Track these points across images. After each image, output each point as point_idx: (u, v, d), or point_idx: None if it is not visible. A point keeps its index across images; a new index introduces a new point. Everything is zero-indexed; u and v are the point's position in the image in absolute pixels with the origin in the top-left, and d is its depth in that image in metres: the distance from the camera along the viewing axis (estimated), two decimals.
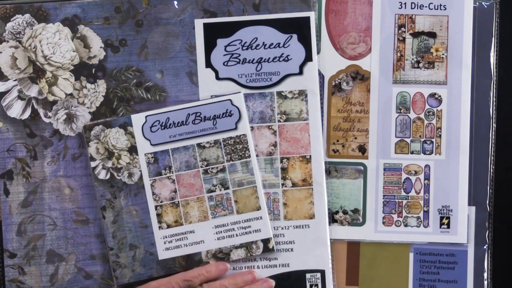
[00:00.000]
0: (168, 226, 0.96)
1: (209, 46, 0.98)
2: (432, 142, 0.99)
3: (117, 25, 0.98)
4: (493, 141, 0.99)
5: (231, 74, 0.98)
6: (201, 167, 0.96)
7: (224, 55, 0.97)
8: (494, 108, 0.99)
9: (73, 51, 0.98)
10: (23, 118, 0.98)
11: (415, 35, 0.99)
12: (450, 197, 0.98)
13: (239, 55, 0.97)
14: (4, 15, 0.98)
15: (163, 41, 0.98)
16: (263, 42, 0.97)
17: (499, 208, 0.99)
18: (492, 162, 0.99)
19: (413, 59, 0.99)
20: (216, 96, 0.97)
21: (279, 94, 0.97)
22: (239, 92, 0.97)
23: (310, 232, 0.97)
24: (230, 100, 0.96)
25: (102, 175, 0.97)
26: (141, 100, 0.98)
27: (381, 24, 0.99)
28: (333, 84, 0.99)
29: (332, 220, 0.99)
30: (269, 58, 0.97)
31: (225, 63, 0.97)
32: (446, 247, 0.99)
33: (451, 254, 0.99)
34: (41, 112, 0.98)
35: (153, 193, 0.96)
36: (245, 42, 0.97)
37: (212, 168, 0.96)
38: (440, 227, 0.98)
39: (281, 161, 0.97)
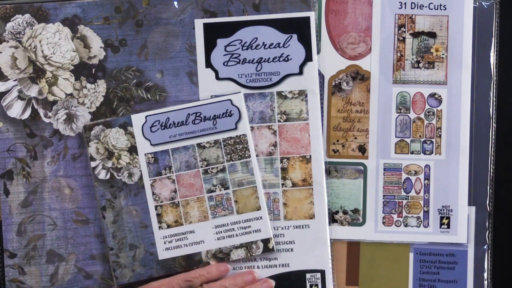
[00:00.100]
0: (168, 226, 0.96)
1: (209, 46, 0.98)
2: (432, 142, 0.99)
3: (117, 25, 0.98)
4: (493, 141, 0.99)
5: (231, 74, 0.98)
6: (201, 167, 0.96)
7: (224, 55, 0.97)
8: (494, 108, 0.99)
9: (73, 51, 0.98)
10: (23, 118, 0.98)
11: (415, 35, 0.99)
12: (450, 197, 0.98)
13: (239, 55, 0.97)
14: (4, 15, 0.98)
15: (163, 41, 0.98)
16: (263, 42, 0.97)
17: (499, 208, 0.99)
18: (492, 162, 0.99)
19: (413, 59, 0.99)
20: (216, 96, 0.97)
21: (279, 94, 0.97)
22: (239, 92, 0.97)
23: (310, 232, 0.97)
24: (230, 100, 0.96)
25: (102, 175, 0.97)
26: (141, 100, 0.98)
27: (381, 24, 0.99)
28: (333, 84, 0.99)
29: (332, 220, 0.99)
30: (269, 58, 0.97)
31: (225, 63, 0.97)
32: (446, 247, 0.99)
33: (451, 254, 0.99)
34: (41, 112, 0.98)
35: (153, 193, 0.96)
36: (245, 42, 0.97)
37: (212, 168, 0.96)
38: (440, 227, 0.98)
39: (281, 161, 0.97)
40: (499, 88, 0.99)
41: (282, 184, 0.97)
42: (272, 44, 0.97)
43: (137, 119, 0.96)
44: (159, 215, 0.96)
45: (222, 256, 0.96)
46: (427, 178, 0.99)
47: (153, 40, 0.98)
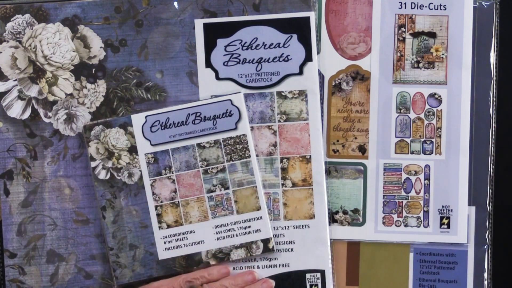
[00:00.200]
0: (168, 226, 0.96)
1: (209, 46, 0.98)
2: (432, 142, 0.99)
3: (117, 25, 0.98)
4: (493, 141, 0.99)
5: (231, 74, 0.98)
6: (201, 167, 0.96)
7: (224, 55, 0.97)
8: (494, 108, 0.99)
9: (73, 51, 0.98)
10: (23, 118, 0.98)
11: (415, 35, 0.99)
12: (450, 197, 0.98)
13: (239, 55, 0.97)
14: (4, 15, 0.98)
15: (163, 41, 0.98)
16: (263, 42, 0.97)
17: (499, 208, 0.99)
18: (492, 162, 0.99)
19: (413, 59, 0.99)
20: (216, 96, 0.97)
21: (279, 94, 0.97)
22: (239, 92, 0.97)
23: (310, 232, 0.97)
24: (230, 100, 0.96)
25: (102, 175, 0.97)
26: (141, 100, 0.98)
27: (381, 24, 0.99)
28: (333, 84, 0.99)
29: (332, 220, 0.99)
30: (269, 58, 0.97)
31: (225, 63, 0.97)
32: (446, 247, 0.99)
33: (451, 254, 0.99)
34: (41, 112, 0.98)
35: (153, 193, 0.96)
36: (245, 42, 0.97)
37: (212, 168, 0.96)
38: (440, 227, 0.98)
39: (281, 161, 0.97)
40: (499, 88, 0.99)
41: (282, 184, 0.97)
42: (272, 44, 0.97)
43: (137, 119, 0.96)
44: (159, 215, 0.96)
45: (222, 256, 0.96)
46: (427, 178, 0.99)
47: (153, 40, 0.98)
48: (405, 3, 0.98)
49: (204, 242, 0.96)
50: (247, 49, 0.97)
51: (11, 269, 0.98)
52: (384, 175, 0.99)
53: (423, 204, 0.99)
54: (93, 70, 0.98)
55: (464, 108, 0.98)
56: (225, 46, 0.97)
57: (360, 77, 0.99)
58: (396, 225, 0.99)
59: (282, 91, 0.97)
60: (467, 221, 0.98)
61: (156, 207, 0.96)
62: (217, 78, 0.98)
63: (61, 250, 0.98)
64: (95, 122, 0.97)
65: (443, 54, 0.98)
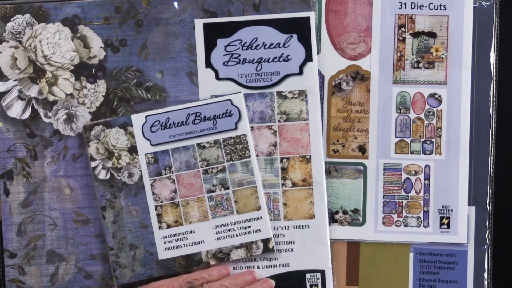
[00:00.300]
0: (168, 226, 0.96)
1: (209, 46, 0.98)
2: (432, 142, 0.99)
3: (117, 25, 0.98)
4: (493, 141, 0.99)
5: (231, 74, 0.98)
6: (201, 167, 0.96)
7: (224, 55, 0.97)
8: (494, 108, 0.99)
9: (73, 51, 0.98)
10: (23, 118, 0.98)
11: (415, 35, 0.99)
12: (450, 197, 0.98)
13: (239, 55, 0.97)
14: (4, 15, 0.98)
15: (163, 41, 0.98)
16: (263, 42, 0.97)
17: (499, 208, 0.99)
18: (492, 162, 0.99)
19: (413, 59, 0.99)
20: (216, 96, 0.97)
21: (279, 94, 0.97)
22: (239, 92, 0.97)
23: (310, 232, 0.97)
24: (230, 100, 0.96)
25: (102, 175, 0.97)
26: (141, 100, 0.98)
27: (381, 24, 0.99)
28: (333, 84, 0.99)
29: (332, 220, 0.99)
30: (269, 58, 0.97)
31: (225, 63, 0.97)
32: (446, 247, 0.99)
33: (451, 254, 0.99)
34: (41, 112, 0.98)
35: (153, 193, 0.96)
36: (245, 42, 0.97)
37: (212, 168, 0.96)
38: (440, 227, 0.98)
39: (281, 161, 0.97)
40: (499, 88, 0.99)
41: (282, 184, 0.97)
42: (272, 44, 0.97)
43: (137, 119, 0.96)
44: (159, 215, 0.96)
45: (222, 256, 0.96)
46: (427, 178, 0.99)
47: (153, 40, 0.98)
48: (405, 3, 0.98)
49: (204, 242, 0.96)
50: (247, 49, 0.97)
51: (11, 269, 0.98)
52: (384, 175, 0.99)
53: (423, 204, 0.99)
54: (93, 70, 0.98)
55: (464, 108, 0.98)
56: (225, 46, 0.97)
57: (360, 77, 0.99)
58: (396, 225, 0.99)
59: (282, 91, 0.97)
60: (467, 221, 0.98)
61: (156, 207, 0.96)
62: (217, 78, 0.98)
63: (61, 250, 0.98)
64: (95, 122, 0.97)
65: (443, 54, 0.98)
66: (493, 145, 0.99)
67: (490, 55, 0.98)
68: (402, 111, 0.99)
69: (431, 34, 0.98)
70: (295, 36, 0.97)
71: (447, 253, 0.99)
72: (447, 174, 0.98)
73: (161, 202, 0.96)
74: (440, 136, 0.99)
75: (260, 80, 0.97)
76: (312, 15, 0.97)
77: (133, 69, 0.98)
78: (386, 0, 0.98)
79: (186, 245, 0.96)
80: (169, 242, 0.96)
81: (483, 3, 0.98)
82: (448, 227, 0.98)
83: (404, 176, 0.99)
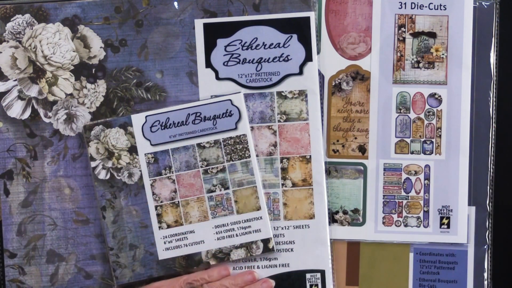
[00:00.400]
0: (168, 226, 0.96)
1: (209, 46, 0.98)
2: (432, 142, 0.99)
3: (117, 25, 0.98)
4: (493, 141, 0.99)
5: (231, 74, 0.98)
6: (201, 167, 0.96)
7: (224, 55, 0.97)
8: (494, 108, 0.99)
9: (73, 51, 0.98)
10: (23, 118, 0.98)
11: (415, 35, 0.99)
12: (450, 197, 0.98)
13: (239, 55, 0.97)
14: (4, 15, 0.98)
15: (163, 41, 0.98)
16: (263, 42, 0.97)
17: (499, 208, 0.99)
18: (492, 162, 0.99)
19: (413, 59, 0.99)
20: (216, 96, 0.97)
21: (279, 94, 0.97)
22: (239, 92, 0.97)
23: (310, 232, 0.97)
24: (230, 100, 0.96)
25: (102, 175, 0.97)
26: (141, 100, 0.98)
27: (381, 24, 0.99)
28: (333, 84, 0.99)
29: (332, 220, 0.99)
30: (269, 58, 0.97)
31: (225, 63, 0.97)
32: (446, 247, 0.99)
33: (451, 254, 0.99)
34: (41, 112, 0.98)
35: (153, 193, 0.96)
36: (245, 42, 0.97)
37: (212, 168, 0.96)
38: (440, 227, 0.98)
39: (281, 161, 0.97)
40: (499, 88, 0.99)
41: (282, 184, 0.97)
42: (272, 44, 0.97)
43: (137, 119, 0.96)
44: (159, 215, 0.96)
45: (222, 256, 0.96)
46: (427, 178, 0.99)
47: (153, 40, 0.98)
48: (405, 3, 0.98)
49: (204, 242, 0.96)
50: (247, 49, 0.97)
51: (11, 269, 0.98)
52: (384, 175, 0.99)
53: (423, 204, 0.99)
54: (93, 70, 0.98)
55: (464, 108, 0.98)
56: (225, 46, 0.97)
57: (360, 77, 0.99)
58: (396, 225, 0.99)
59: (282, 91, 0.97)
60: (467, 221, 0.98)
61: (156, 207, 0.96)
62: (217, 78, 0.98)
63: (61, 250, 0.98)
64: (95, 122, 0.97)
65: (443, 54, 0.98)
66: (493, 145, 0.99)
67: (490, 55, 0.98)
68: (402, 111, 0.99)
69: (431, 34, 0.98)
70: (295, 36, 0.97)
71: (447, 253, 0.99)
72: (447, 174, 0.98)
73: (161, 202, 0.96)
74: (440, 136, 0.99)
75: (260, 80, 0.97)
76: (312, 15, 0.97)
77: (133, 69, 0.98)
78: (386, 0, 0.98)
79: (186, 245, 0.96)
80: (169, 242, 0.96)
81: (483, 3, 0.98)
82: (448, 227, 0.98)
83: (404, 176, 0.99)
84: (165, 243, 0.96)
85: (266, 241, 0.96)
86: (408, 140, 0.99)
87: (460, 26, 0.98)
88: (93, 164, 0.97)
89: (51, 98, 0.98)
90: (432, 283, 0.99)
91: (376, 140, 0.99)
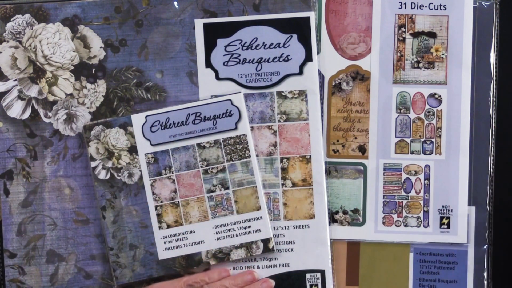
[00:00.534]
0: (168, 226, 0.96)
1: (209, 46, 0.98)
2: (432, 142, 0.99)
3: (117, 25, 0.98)
4: (493, 141, 0.99)
5: (231, 74, 0.98)
6: (201, 167, 0.96)
7: (224, 55, 0.97)
8: (494, 108, 0.99)
9: (73, 51, 0.98)
10: (23, 118, 0.98)
11: (415, 35, 0.99)
12: (450, 197, 0.98)
13: (239, 55, 0.97)
14: (4, 15, 0.98)
15: (163, 41, 0.98)
16: (263, 42, 0.97)
17: (499, 208, 0.99)
18: (492, 162, 0.99)
19: (413, 59, 0.99)
20: (216, 96, 0.97)
21: (279, 94, 0.97)
22: (239, 92, 0.97)
23: (310, 232, 0.97)
24: (230, 100, 0.96)
25: (102, 175, 0.97)
26: (141, 100, 0.98)
27: (381, 24, 0.99)
28: (333, 84, 0.99)
29: (332, 220, 0.99)
30: (269, 58, 0.97)
31: (225, 63, 0.97)
32: (446, 247, 0.99)
33: (451, 254, 0.99)
34: (41, 112, 0.98)
35: (153, 193, 0.96)
36: (245, 42, 0.97)
37: (212, 168, 0.96)
38: (440, 227, 0.98)
39: (281, 161, 0.97)
40: (499, 88, 0.99)
41: (282, 184, 0.97)
42: (272, 44, 0.97)
43: (137, 119, 0.96)
44: (159, 215, 0.96)
45: (222, 256, 0.96)
46: (427, 178, 0.99)
47: (153, 40, 0.98)
48: (405, 3, 0.98)
49: (204, 242, 0.96)
50: (247, 49, 0.97)
51: (11, 269, 0.98)
52: (384, 175, 0.99)
53: (423, 204, 0.99)
54: (93, 70, 0.98)
55: (464, 108, 0.98)
56: (225, 46, 0.97)
57: (360, 77, 0.99)
58: (396, 225, 0.99)
59: (282, 91, 0.97)
60: (467, 221, 0.98)
61: (156, 207, 0.96)
62: (217, 78, 0.98)
63: (61, 250, 0.98)
64: (95, 122, 0.97)
65: (443, 54, 0.98)
66: (493, 145, 0.99)
67: (490, 55, 0.98)
68: (402, 111, 0.99)
69: (431, 34, 0.98)
70: (295, 36, 0.97)
71: (447, 253, 0.99)
72: (447, 174, 0.98)
73: (161, 202, 0.96)
74: (440, 136, 0.99)
75: (260, 80, 0.97)
76: (312, 15, 0.97)
77: (133, 69, 0.98)
78: (386, 0, 0.98)
79: (186, 245, 0.96)
80: (169, 242, 0.96)
81: (483, 3, 0.98)
82: (448, 227, 0.98)
83: (404, 176, 0.99)
84: (165, 243, 0.96)
85: (266, 241, 0.96)
86: (408, 140, 0.99)
87: (460, 26, 0.98)
88: (93, 164, 0.97)
89: (51, 98, 0.98)
90: (432, 283, 0.99)
91: (376, 140, 0.99)
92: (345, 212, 0.99)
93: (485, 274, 0.98)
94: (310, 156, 0.97)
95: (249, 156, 0.96)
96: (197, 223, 0.96)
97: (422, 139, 0.99)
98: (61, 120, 0.98)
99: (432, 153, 0.99)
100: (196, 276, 0.94)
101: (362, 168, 0.99)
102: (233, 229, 0.96)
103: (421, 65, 0.99)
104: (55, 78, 0.98)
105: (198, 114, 0.96)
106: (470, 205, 0.98)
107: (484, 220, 0.98)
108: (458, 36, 0.98)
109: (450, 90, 0.99)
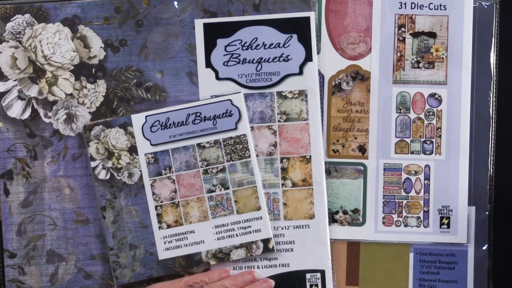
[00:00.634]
0: (168, 226, 0.96)
1: (209, 46, 0.98)
2: (432, 142, 0.99)
3: (117, 25, 0.98)
4: (493, 141, 0.99)
5: (231, 74, 0.98)
6: (201, 167, 0.96)
7: (224, 55, 0.97)
8: (494, 108, 0.99)
9: (73, 51, 0.98)
10: (23, 118, 0.98)
11: (415, 35, 0.99)
12: (450, 197, 0.98)
13: (239, 55, 0.97)
14: (4, 15, 0.98)
15: (163, 41, 0.98)
16: (263, 42, 0.97)
17: (499, 208, 0.99)
18: (492, 162, 0.99)
19: (413, 59, 0.99)
20: (216, 96, 0.97)
21: (279, 94, 0.97)
22: (239, 92, 0.97)
23: (310, 232, 0.97)
24: (230, 100, 0.96)
25: (102, 175, 0.97)
26: (141, 100, 0.98)
27: (381, 24, 0.99)
28: (333, 84, 0.99)
29: (332, 220, 0.99)
30: (269, 58, 0.97)
31: (225, 63, 0.97)
32: (446, 247, 0.99)
33: (451, 254, 0.99)
34: (41, 112, 0.98)
35: (153, 193, 0.96)
36: (245, 42, 0.97)
37: (212, 168, 0.96)
38: (440, 227, 0.98)
39: (281, 161, 0.97)
40: (499, 88, 0.99)
41: (282, 184, 0.97)
42: (272, 44, 0.97)
43: (137, 119, 0.96)
44: (159, 215, 0.96)
45: (222, 256, 0.96)
46: (427, 178, 0.99)
47: (153, 40, 0.98)
48: (405, 3, 0.98)
49: (204, 242, 0.96)
50: (247, 49, 0.97)
51: (11, 269, 0.98)
52: (384, 175, 0.99)
53: (423, 204, 0.99)
54: (93, 70, 0.98)
55: (464, 108, 0.98)
56: (225, 46, 0.97)
57: (360, 77, 0.99)
58: (396, 225, 0.99)
59: (282, 91, 0.97)
60: (467, 221, 0.98)
61: (156, 207, 0.96)
62: (217, 78, 0.98)
63: (61, 250, 0.98)
64: (95, 122, 0.97)
65: (443, 54, 0.98)
66: (493, 145, 0.99)
67: (490, 55, 0.98)
68: (402, 111, 0.99)
69: (431, 34, 0.98)
70: (295, 36, 0.97)
71: (447, 253, 0.99)
72: (447, 174, 0.98)
73: (161, 202, 0.96)
74: (440, 136, 0.99)
75: (260, 80, 0.97)
76: (312, 15, 0.97)
77: (133, 69, 0.98)
78: (386, 0, 0.98)
79: (186, 245, 0.96)
80: (169, 242, 0.96)
81: (483, 3, 0.98)
82: (448, 227, 0.98)
83: (404, 176, 0.99)
84: (165, 243, 0.96)
85: (266, 241, 0.96)
86: (408, 140, 0.99)
87: (460, 26, 0.98)
88: (93, 164, 0.97)
89: (51, 98, 0.98)
90: (432, 283, 0.99)
91: (376, 140, 0.99)
92: (345, 212, 0.99)
93: (485, 274, 0.98)
94: (310, 156, 0.97)
95: (249, 156, 0.96)
96: (197, 223, 0.96)
97: (422, 139, 0.99)
98: (61, 120, 0.98)
99: (432, 153, 0.99)
100: (196, 276, 0.94)
101: (362, 168, 0.99)
102: (233, 229, 0.96)
103: (421, 65, 0.99)
104: (55, 78, 0.98)
105: (198, 114, 0.96)
106: (470, 205, 0.98)
107: (484, 220, 0.98)
108: (458, 36, 0.98)
109: (450, 90, 0.99)
